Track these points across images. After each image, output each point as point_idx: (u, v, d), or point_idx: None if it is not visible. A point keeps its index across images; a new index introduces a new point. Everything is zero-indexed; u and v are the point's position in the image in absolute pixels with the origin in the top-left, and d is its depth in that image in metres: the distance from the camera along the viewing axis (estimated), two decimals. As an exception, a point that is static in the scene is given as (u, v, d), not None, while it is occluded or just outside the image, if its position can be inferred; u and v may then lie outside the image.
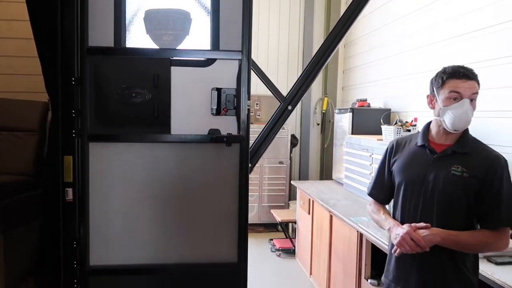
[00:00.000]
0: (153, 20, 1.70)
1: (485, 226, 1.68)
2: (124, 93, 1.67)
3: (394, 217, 1.86)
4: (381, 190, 1.95)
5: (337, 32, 2.04)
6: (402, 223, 1.76)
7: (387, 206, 2.02)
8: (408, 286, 1.76)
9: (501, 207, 1.64)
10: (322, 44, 2.08)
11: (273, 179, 5.84)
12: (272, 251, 5.09)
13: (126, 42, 1.69)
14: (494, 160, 1.68)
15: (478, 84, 1.71)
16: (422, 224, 1.67)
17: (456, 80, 1.68)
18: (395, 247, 1.72)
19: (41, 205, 2.02)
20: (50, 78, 1.68)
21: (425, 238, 1.63)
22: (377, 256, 2.86)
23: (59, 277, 1.73)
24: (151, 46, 1.73)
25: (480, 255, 1.84)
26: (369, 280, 2.86)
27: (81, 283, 1.76)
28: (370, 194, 2.01)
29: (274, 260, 4.88)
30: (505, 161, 1.70)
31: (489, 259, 1.97)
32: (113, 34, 1.66)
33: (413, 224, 1.69)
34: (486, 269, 1.86)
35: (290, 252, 4.98)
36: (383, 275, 1.93)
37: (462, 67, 1.71)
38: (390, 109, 4.39)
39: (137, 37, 1.70)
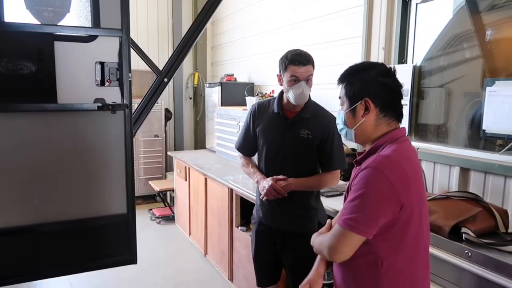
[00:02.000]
0: (32, -4, 1.79)
1: (324, 170, 2.26)
2: (8, 65, 1.73)
3: (259, 167, 2.33)
4: (247, 146, 2.40)
5: (207, 10, 2.34)
6: (267, 174, 2.25)
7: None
8: (274, 221, 2.29)
9: (333, 156, 2.21)
10: (194, 20, 2.34)
11: (149, 152, 5.98)
12: (152, 220, 5.30)
13: (5, 17, 1.75)
14: (329, 121, 2.21)
15: (313, 66, 2.15)
16: (281, 176, 2.18)
17: (294, 66, 2.09)
18: (262, 195, 2.21)
19: None
20: None
21: (284, 188, 2.14)
22: (244, 207, 3.40)
23: None
24: (34, 22, 1.82)
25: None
26: (239, 228, 3.38)
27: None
28: (238, 149, 2.45)
29: (155, 228, 5.12)
30: None
31: (322, 194, 2.60)
32: (-9, 8, 1.70)
33: (274, 177, 2.18)
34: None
35: (169, 218, 5.27)
36: (254, 212, 2.43)
37: (299, 54, 2.11)
38: (253, 83, 4.90)
39: (19, 13, 1.77)
